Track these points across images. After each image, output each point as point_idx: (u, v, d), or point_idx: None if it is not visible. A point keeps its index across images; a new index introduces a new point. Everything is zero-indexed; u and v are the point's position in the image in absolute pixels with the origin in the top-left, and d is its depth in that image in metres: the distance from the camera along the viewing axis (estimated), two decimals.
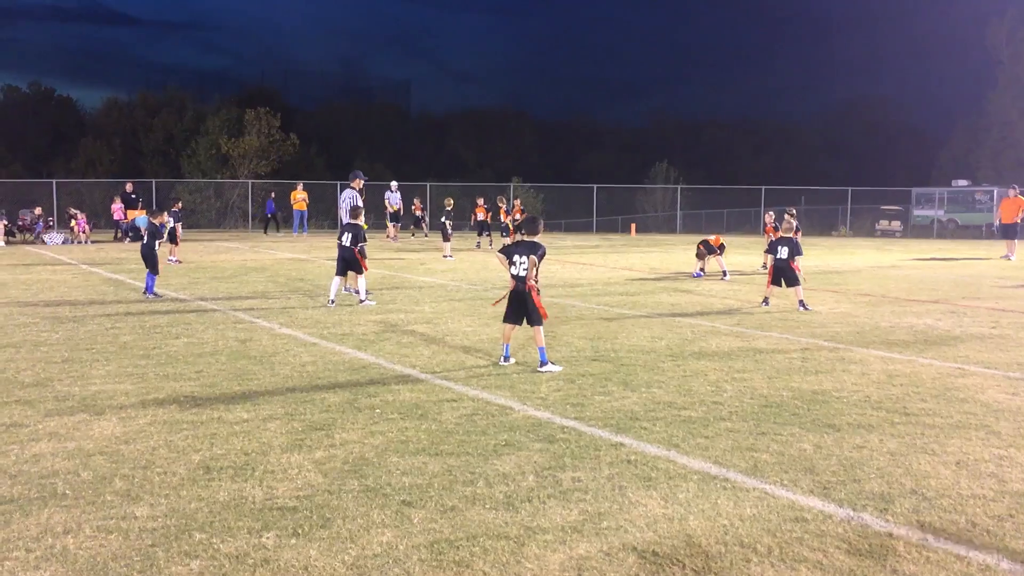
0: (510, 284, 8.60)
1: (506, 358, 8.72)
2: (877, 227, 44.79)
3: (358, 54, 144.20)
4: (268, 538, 4.36)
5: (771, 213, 21.76)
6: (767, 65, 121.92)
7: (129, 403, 7.05)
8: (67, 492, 4.97)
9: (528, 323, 8.56)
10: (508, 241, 24.85)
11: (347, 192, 13.78)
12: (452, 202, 24.96)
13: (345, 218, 13.69)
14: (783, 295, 13.32)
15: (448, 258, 22.15)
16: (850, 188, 43.83)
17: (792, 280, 13.00)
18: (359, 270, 12.86)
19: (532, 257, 8.46)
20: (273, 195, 37.39)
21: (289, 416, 6.70)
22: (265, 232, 35.64)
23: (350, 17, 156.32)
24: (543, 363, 8.46)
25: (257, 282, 16.33)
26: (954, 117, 70.90)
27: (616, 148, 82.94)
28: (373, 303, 12.91)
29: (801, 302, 12.86)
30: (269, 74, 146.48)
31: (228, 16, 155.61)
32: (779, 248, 13.20)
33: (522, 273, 8.50)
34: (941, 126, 71.46)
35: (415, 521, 4.60)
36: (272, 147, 49.64)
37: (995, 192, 48.68)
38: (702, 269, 18.17)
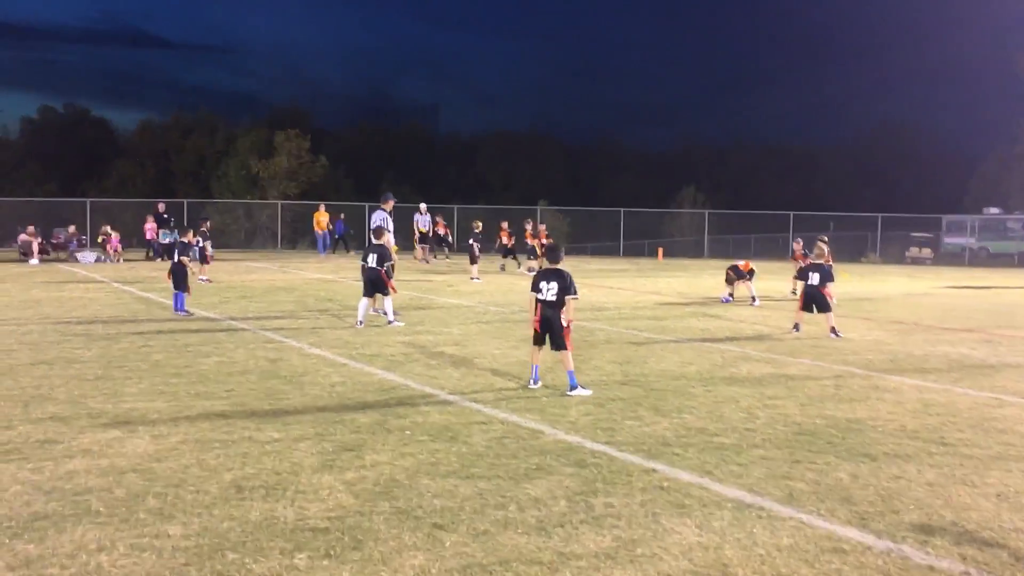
0: (537, 308, 8.61)
1: (535, 380, 8.69)
2: (907, 254, 44.31)
3: (386, 77, 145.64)
4: (300, 559, 4.35)
5: (799, 240, 21.60)
6: (794, 90, 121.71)
7: (161, 421, 7.09)
8: (101, 509, 4.99)
9: (553, 348, 8.56)
10: (535, 264, 24.87)
11: (377, 214, 13.85)
12: (481, 224, 25.00)
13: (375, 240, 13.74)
14: (814, 321, 13.19)
15: (476, 280, 22.16)
16: (880, 215, 43.45)
17: (824, 306, 12.88)
18: (386, 291, 12.89)
19: (571, 298, 8.50)
20: (343, 216, 37.56)
21: (320, 436, 6.69)
22: (334, 251, 35.69)
23: (378, 41, 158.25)
24: (572, 387, 8.43)
25: (286, 302, 16.41)
26: (985, 144, 70.19)
27: (642, 172, 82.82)
28: (401, 324, 12.93)
29: (833, 329, 12.73)
30: (298, 96, 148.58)
31: (259, 40, 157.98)
32: (811, 274, 13.10)
33: (550, 298, 8.51)
34: (972, 153, 70.80)
35: (447, 545, 4.57)
36: (301, 169, 50.13)
37: None
38: (731, 294, 18.05)
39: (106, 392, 8.14)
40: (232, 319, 13.65)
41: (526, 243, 26.43)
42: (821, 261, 13.30)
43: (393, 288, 13.04)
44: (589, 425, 7.17)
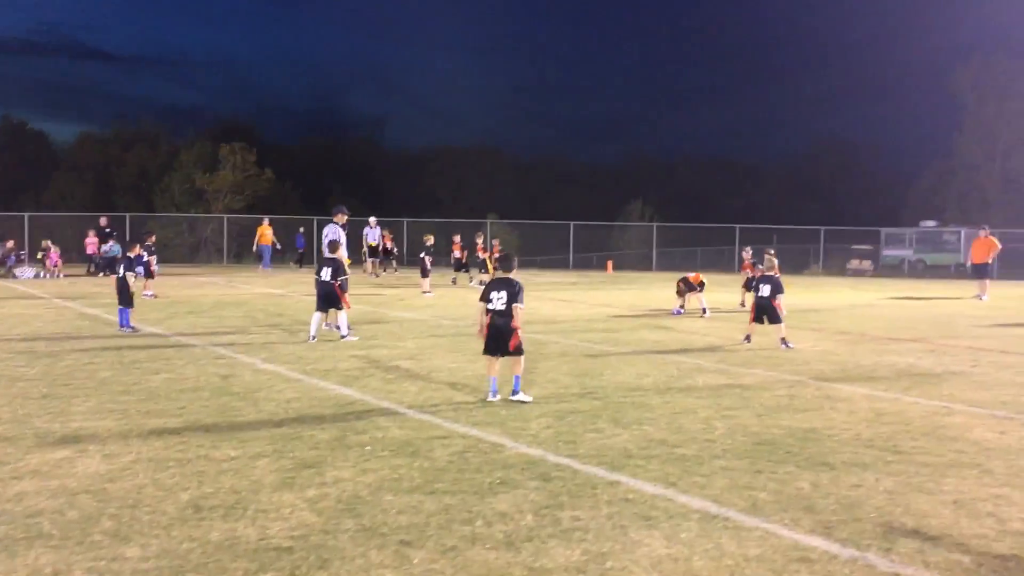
0: (486, 318, 8.62)
1: (494, 393, 8.66)
2: (848, 266, 45.26)
3: (332, 91, 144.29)
4: None
5: (748, 249, 21.89)
6: (737, 106, 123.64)
7: (112, 440, 6.89)
8: (54, 532, 4.82)
9: (510, 353, 8.61)
10: (486, 278, 24.84)
11: (331, 227, 13.71)
12: (432, 238, 24.93)
13: (329, 253, 13.59)
14: (764, 332, 13.36)
15: (427, 294, 22.05)
16: (823, 228, 44.33)
17: (774, 318, 13.05)
18: (340, 305, 12.75)
19: (518, 306, 8.54)
20: (302, 230, 37.51)
21: (278, 453, 6.57)
22: (300, 265, 35.23)
23: (324, 54, 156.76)
24: (515, 392, 8.56)
25: (235, 317, 16.15)
26: (921, 159, 72.16)
27: (589, 186, 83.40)
28: (355, 338, 12.79)
29: (783, 340, 12.91)
30: (243, 109, 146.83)
31: (201, 51, 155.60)
32: (761, 286, 13.27)
33: (500, 307, 8.53)
34: (909, 168, 72.70)
35: (415, 562, 4.50)
36: (247, 182, 49.52)
37: (962, 233, 49.50)
38: (682, 306, 18.22)
39: (52, 411, 7.90)
40: (180, 335, 13.38)
41: (477, 256, 26.42)
42: (772, 273, 13.48)
43: (347, 303, 12.90)
44: (551, 438, 7.15)
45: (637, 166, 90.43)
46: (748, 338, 13.27)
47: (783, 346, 12.78)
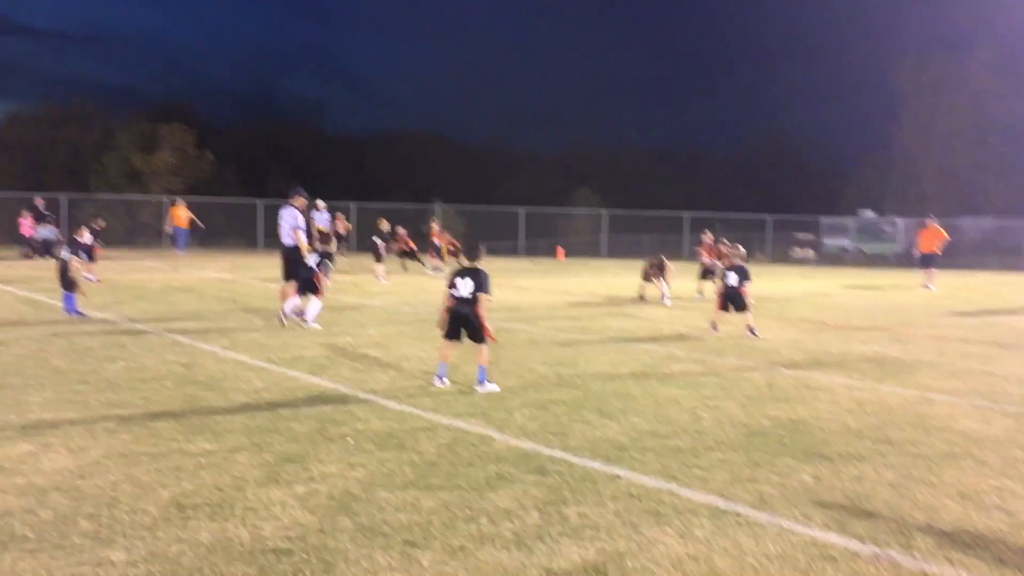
0: (449, 303, 8.46)
1: (441, 378, 8.56)
2: (792, 254, 45.94)
3: (272, 73, 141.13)
4: None
5: (708, 232, 21.65)
6: (679, 96, 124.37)
7: (76, 433, 6.48)
8: (28, 534, 4.46)
9: (473, 340, 8.47)
10: (440, 263, 24.56)
11: (288, 210, 13.23)
12: (388, 225, 24.47)
13: (285, 239, 13.16)
14: (729, 321, 13.31)
15: (381, 280, 21.63)
16: (770, 216, 44.83)
17: (741, 306, 13.02)
18: (316, 290, 12.63)
19: (484, 295, 8.42)
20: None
21: (257, 447, 6.24)
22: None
23: (260, 35, 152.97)
24: (481, 381, 8.40)
25: (187, 302, 15.59)
26: (861, 151, 73.63)
27: (534, 173, 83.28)
28: (318, 326, 12.43)
29: (750, 328, 12.88)
30: (180, 90, 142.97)
31: (132, 30, 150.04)
32: (729, 274, 13.23)
33: (466, 295, 8.37)
34: (849, 159, 74.11)
35: (425, 564, 4.25)
36: (187, 164, 48.25)
37: (900, 223, 50.59)
38: (642, 296, 18.10)
39: (7, 402, 7.43)
40: (132, 321, 12.83)
41: (433, 242, 26.09)
42: (740, 262, 13.45)
43: (322, 290, 12.75)
44: (538, 430, 6.93)
45: (582, 154, 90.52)
46: (715, 326, 13.21)
47: (749, 334, 12.75)
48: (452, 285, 8.47)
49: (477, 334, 8.41)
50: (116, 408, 7.34)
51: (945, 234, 26.30)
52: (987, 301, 21.36)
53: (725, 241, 19.86)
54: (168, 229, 33.03)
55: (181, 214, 32.26)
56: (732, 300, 13.08)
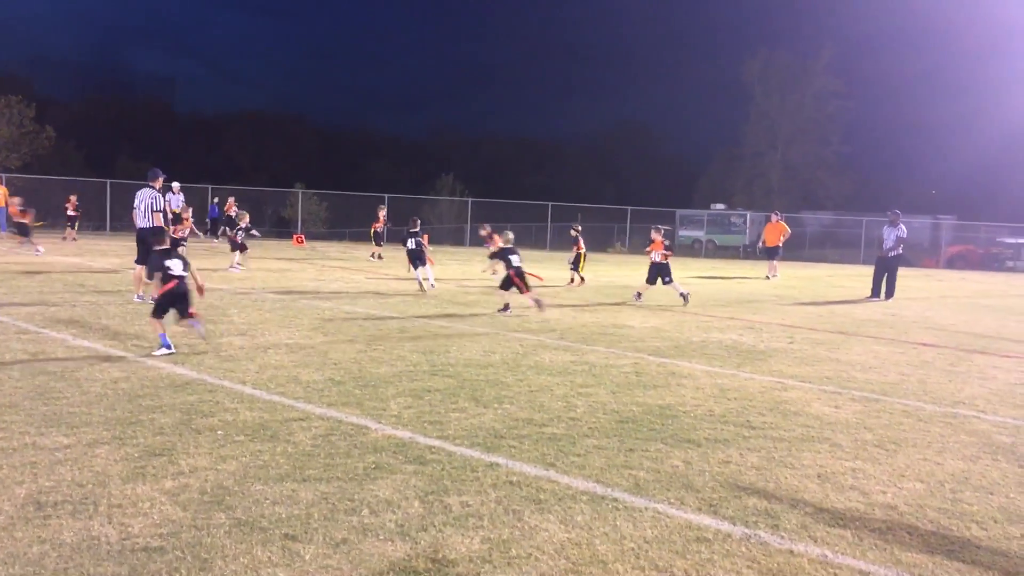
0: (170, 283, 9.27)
1: (168, 346, 9.17)
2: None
3: (114, 46, 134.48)
4: None
5: (660, 228, 21.36)
6: (538, 85, 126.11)
7: None
8: None
9: (180, 316, 9.36)
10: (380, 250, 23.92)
11: (147, 191, 12.62)
12: (248, 216, 23.60)
13: (141, 220, 12.56)
14: (593, 310, 13.58)
15: (235, 268, 20.82)
16: (629, 208, 46.04)
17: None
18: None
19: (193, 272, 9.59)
20: (216, 200, 37.29)
21: (119, 440, 5.93)
22: (216, 238, 32.75)
23: (104, 5, 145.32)
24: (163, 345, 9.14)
25: (30, 287, 14.65)
26: (712, 146, 76.68)
27: (396, 159, 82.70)
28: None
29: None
30: (15, 61, 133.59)
31: None
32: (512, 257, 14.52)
33: (182, 273, 9.38)
34: (700, 153, 77.11)
35: (307, 558, 4.16)
36: (24, 139, 45.37)
37: (747, 216, 52.98)
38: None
39: None
40: None
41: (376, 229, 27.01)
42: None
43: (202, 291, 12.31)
44: (414, 419, 6.88)
45: (443, 141, 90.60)
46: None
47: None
48: (162, 266, 9.36)
49: (184, 309, 9.32)
50: None
51: (788, 229, 27.76)
52: (829, 292, 22.66)
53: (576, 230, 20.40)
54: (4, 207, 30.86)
55: None
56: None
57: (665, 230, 45.31)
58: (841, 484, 5.67)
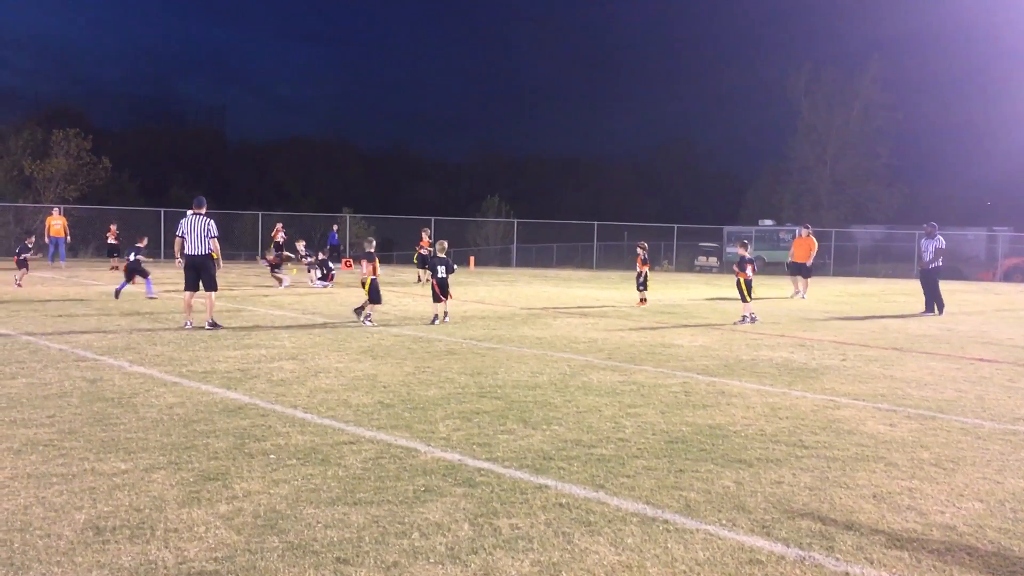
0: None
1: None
2: (696, 263, 47.03)
3: (169, 77, 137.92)
4: None
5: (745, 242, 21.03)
6: (583, 106, 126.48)
7: None
8: None
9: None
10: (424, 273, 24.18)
11: (198, 219, 12.92)
12: (302, 241, 23.94)
13: (200, 247, 12.87)
14: (643, 329, 13.51)
15: (283, 285, 21.14)
16: (676, 226, 45.80)
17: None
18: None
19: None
20: (336, 227, 38.08)
21: (174, 465, 6.04)
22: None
23: (158, 38, 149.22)
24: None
25: (87, 315, 15.01)
26: (759, 161, 76.00)
27: (441, 181, 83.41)
28: (223, 328, 12.19)
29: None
30: (70, 94, 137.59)
31: (16, 30, 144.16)
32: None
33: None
34: (748, 169, 76.51)
35: None
36: (82, 171, 46.56)
37: (797, 231, 52.39)
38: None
39: None
40: (29, 335, 12.29)
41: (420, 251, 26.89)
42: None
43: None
44: (463, 441, 6.91)
45: (488, 163, 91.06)
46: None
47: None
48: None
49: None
50: (21, 427, 7.01)
51: (816, 243, 26.00)
52: (882, 307, 22.28)
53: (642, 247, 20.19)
54: (63, 237, 31.74)
55: (55, 224, 31.06)
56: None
57: (709, 247, 44.71)
58: (897, 504, 5.56)
